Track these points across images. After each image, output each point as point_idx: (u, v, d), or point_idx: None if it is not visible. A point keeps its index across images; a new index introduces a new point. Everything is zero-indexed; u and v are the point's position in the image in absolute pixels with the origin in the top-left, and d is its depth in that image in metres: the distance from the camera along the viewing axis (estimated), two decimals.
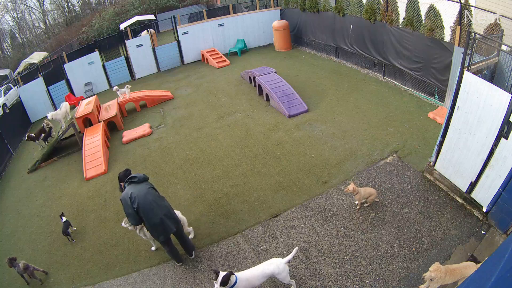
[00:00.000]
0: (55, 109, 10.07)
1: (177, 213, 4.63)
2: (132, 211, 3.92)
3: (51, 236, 5.63)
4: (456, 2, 6.27)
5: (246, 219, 5.15)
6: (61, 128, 8.64)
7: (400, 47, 8.09)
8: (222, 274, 3.41)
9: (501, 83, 4.53)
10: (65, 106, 9.05)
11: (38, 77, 11.96)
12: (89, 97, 11.45)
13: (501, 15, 5.44)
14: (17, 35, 30.23)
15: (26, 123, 11.74)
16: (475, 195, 4.48)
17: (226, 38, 13.96)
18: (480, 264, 3.37)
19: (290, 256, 3.75)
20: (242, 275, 3.58)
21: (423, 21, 7.25)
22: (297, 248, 3.85)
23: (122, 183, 4.26)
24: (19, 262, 4.63)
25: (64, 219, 5.42)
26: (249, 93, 9.72)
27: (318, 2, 11.22)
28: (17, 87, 11.89)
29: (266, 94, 8.77)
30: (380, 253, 4.21)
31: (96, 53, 12.71)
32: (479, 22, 5.99)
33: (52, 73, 12.59)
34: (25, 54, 23.43)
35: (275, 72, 9.38)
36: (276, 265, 3.67)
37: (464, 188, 4.66)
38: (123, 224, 4.65)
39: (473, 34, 4.12)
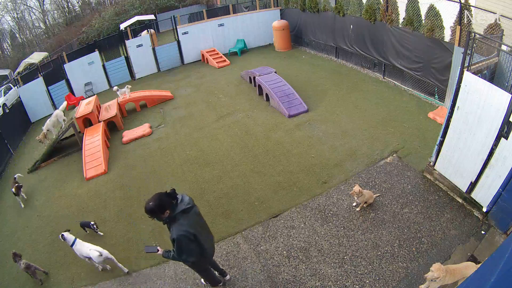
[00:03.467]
0: (55, 108, 10.05)
1: (105, 253, 4.44)
2: (195, 245, 3.15)
3: (51, 236, 5.62)
4: (456, 2, 6.27)
5: (246, 219, 5.15)
6: (61, 128, 8.61)
7: (400, 47, 8.09)
8: None
9: (501, 83, 4.52)
10: (55, 115, 8.88)
11: (38, 77, 11.96)
12: (89, 97, 11.45)
13: (501, 15, 5.44)
14: (17, 35, 30.22)
15: (26, 123, 11.73)
16: (475, 195, 4.48)
17: (226, 38, 13.96)
18: (480, 264, 3.37)
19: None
20: None
21: (423, 21, 7.25)
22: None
23: (167, 211, 3.00)
24: (21, 262, 4.63)
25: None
26: (249, 93, 9.72)
27: (318, 2, 11.21)
28: (17, 87, 11.88)
29: (266, 94, 8.77)
30: (380, 253, 4.21)
31: (96, 53, 12.70)
32: (479, 22, 5.99)
33: (52, 73, 12.57)
34: (25, 54, 23.40)
35: (275, 72, 9.38)
36: None
37: (464, 188, 4.66)
38: None
39: (473, 34, 4.12)
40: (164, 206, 2.98)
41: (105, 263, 4.63)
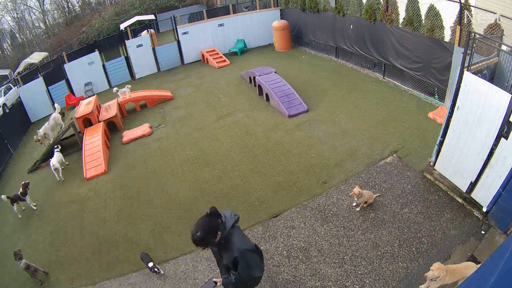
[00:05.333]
0: (55, 109, 10.03)
1: (56, 166, 6.81)
2: (258, 258, 2.83)
3: (51, 236, 5.63)
4: (456, 2, 6.27)
5: (246, 219, 5.15)
6: (60, 128, 8.57)
7: (400, 47, 8.09)
8: None
9: (501, 83, 4.53)
10: (53, 118, 8.84)
11: (38, 77, 11.96)
12: (89, 97, 11.45)
13: (501, 15, 5.44)
14: (17, 35, 30.22)
15: (26, 123, 11.73)
16: (475, 195, 4.48)
17: (226, 38, 13.96)
18: (480, 264, 3.37)
19: None
20: None
21: (423, 21, 7.25)
22: None
23: (219, 233, 2.63)
24: (21, 262, 4.63)
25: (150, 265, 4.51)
26: (249, 93, 9.72)
27: (318, 2, 11.21)
28: (17, 87, 11.88)
29: (266, 94, 8.77)
30: (380, 253, 4.21)
31: (96, 53, 12.70)
32: (479, 22, 5.99)
33: (52, 73, 12.58)
34: (25, 54, 23.39)
35: (275, 72, 9.38)
36: None
37: (464, 188, 4.66)
38: None
39: (473, 34, 4.12)
40: (214, 229, 2.62)
41: (56, 172, 6.89)
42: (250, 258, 2.68)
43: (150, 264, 4.44)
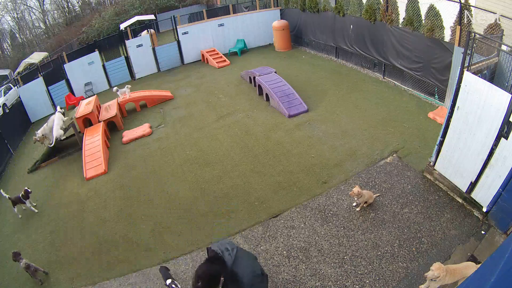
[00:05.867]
0: (55, 109, 10.03)
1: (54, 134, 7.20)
2: (266, 285, 2.85)
3: (51, 236, 5.63)
4: (456, 2, 6.27)
5: (246, 219, 5.15)
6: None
7: (400, 47, 8.09)
8: None
9: (501, 83, 4.53)
10: (52, 120, 8.70)
11: (38, 77, 11.96)
12: (89, 97, 11.45)
13: (501, 15, 5.44)
14: (17, 35, 30.22)
15: (26, 123, 11.73)
16: (475, 195, 4.48)
17: (226, 38, 13.96)
18: (480, 264, 3.37)
19: None
20: None
21: (423, 21, 7.25)
22: None
23: (220, 280, 2.50)
24: (21, 261, 4.63)
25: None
26: (249, 93, 9.72)
27: (318, 2, 11.21)
28: (17, 87, 11.88)
29: (266, 94, 8.77)
30: (380, 253, 4.21)
31: (96, 53, 12.70)
32: (479, 22, 5.99)
33: (52, 73, 12.58)
34: (25, 54, 23.39)
35: (275, 72, 9.38)
36: None
37: (464, 188, 4.66)
38: None
39: (473, 34, 4.12)
40: (215, 276, 2.45)
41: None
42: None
43: (168, 281, 4.07)
